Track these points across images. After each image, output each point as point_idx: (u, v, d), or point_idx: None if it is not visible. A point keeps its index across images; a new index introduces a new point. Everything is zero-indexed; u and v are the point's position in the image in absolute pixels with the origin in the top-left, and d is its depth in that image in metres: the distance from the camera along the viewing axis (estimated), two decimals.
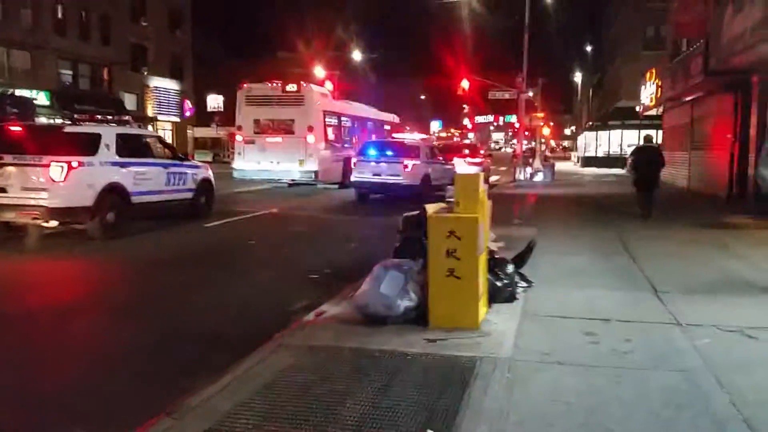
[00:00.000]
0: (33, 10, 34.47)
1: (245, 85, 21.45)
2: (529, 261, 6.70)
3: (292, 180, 20.99)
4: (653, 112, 28.81)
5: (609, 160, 41.26)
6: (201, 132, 50.97)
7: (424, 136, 30.20)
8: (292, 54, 58.15)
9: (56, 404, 4.08)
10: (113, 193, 10.10)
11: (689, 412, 3.59)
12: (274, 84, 21.06)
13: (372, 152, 18.02)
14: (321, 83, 34.46)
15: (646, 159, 12.98)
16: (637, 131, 34.45)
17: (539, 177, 27.50)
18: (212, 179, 13.19)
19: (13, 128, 10.69)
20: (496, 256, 5.96)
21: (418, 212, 6.15)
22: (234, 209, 14.40)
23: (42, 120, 23.43)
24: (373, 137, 24.04)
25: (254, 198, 18.03)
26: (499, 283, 5.70)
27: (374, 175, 17.51)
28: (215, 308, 6.36)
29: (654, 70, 26.24)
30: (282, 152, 20.35)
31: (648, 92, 27.30)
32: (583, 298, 6.15)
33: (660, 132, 29.44)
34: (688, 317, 5.45)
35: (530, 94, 30.46)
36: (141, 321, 5.95)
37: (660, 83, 24.98)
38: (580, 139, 55.41)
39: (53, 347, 5.20)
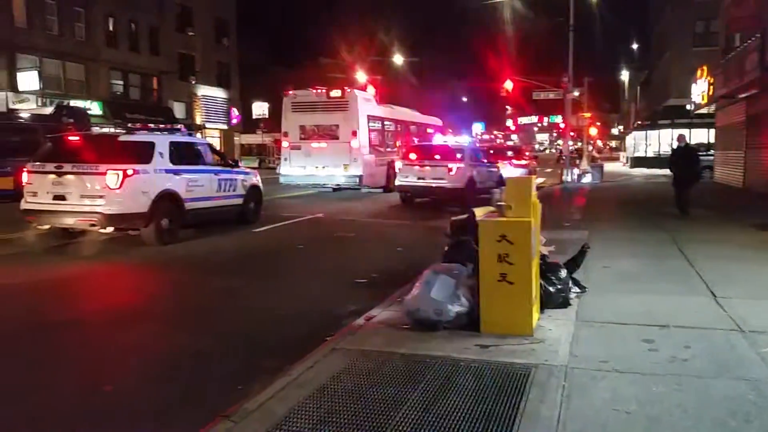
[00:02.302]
0: (86, 24, 35.79)
1: (291, 92, 21.77)
2: (582, 265, 6.57)
3: (337, 185, 21.16)
4: (705, 110, 27.93)
5: (659, 161, 40.15)
6: (247, 138, 51.90)
7: (467, 138, 30.01)
8: (335, 60, 58.67)
9: (116, 407, 4.21)
10: (167, 199, 10.33)
11: (758, 423, 3.45)
12: (319, 90, 21.31)
13: (416, 156, 18.02)
14: (363, 88, 34.66)
15: (680, 158, 13.43)
16: (688, 130, 33.44)
17: (587, 178, 26.96)
18: (260, 185, 13.39)
19: (71, 138, 11.09)
20: (549, 260, 5.86)
21: (466, 216, 6.10)
22: (281, 214, 14.60)
23: (97, 129, 24.25)
24: (416, 141, 24.05)
25: (300, 203, 18.24)
26: (552, 288, 5.61)
27: (419, 178, 17.51)
28: (266, 313, 6.45)
29: (705, 67, 25.46)
30: (327, 157, 20.57)
31: (699, 90, 26.47)
32: (638, 304, 5.99)
33: (712, 131, 28.49)
34: (750, 324, 5.26)
35: (576, 93, 29.93)
36: (194, 325, 6.09)
37: (712, 80, 24.21)
38: (629, 139, 54.10)
39: (110, 351, 5.35)
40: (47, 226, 10.21)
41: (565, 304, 5.74)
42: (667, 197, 14.71)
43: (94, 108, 34.25)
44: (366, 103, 21.89)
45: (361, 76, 46.47)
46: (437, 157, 17.68)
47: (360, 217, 15.24)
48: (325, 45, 60.23)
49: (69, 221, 9.85)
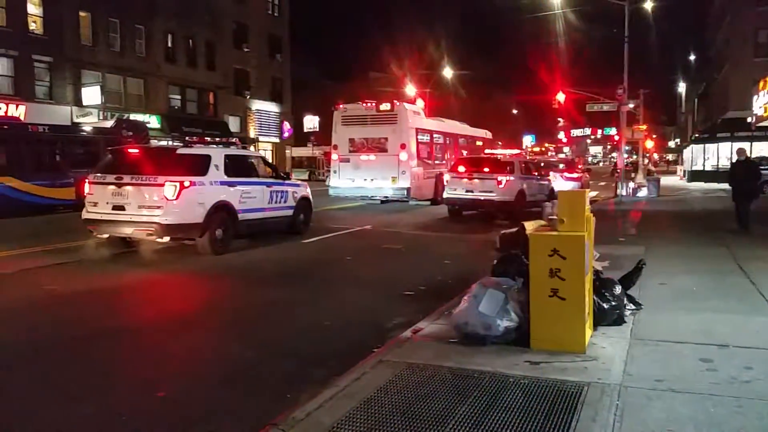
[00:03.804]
0: (146, 41, 37.21)
1: (341, 106, 22.04)
2: (637, 282, 6.39)
3: (385, 197, 21.26)
4: (767, 123, 26.86)
5: (718, 174, 38.81)
6: (298, 151, 52.78)
7: (516, 151, 29.70)
8: (384, 74, 59.19)
9: (168, 412, 4.31)
10: (221, 210, 10.57)
11: None
12: (369, 104, 21.50)
13: (464, 168, 17.92)
14: (412, 101, 34.77)
15: (741, 172, 13.04)
16: (749, 143, 32.22)
17: (643, 192, 26.23)
18: (310, 197, 13.56)
19: (130, 150, 11.51)
20: (603, 276, 5.72)
21: (516, 229, 6.04)
22: (330, 226, 14.75)
23: (155, 142, 25.11)
24: (465, 153, 23.95)
25: (348, 215, 18.38)
26: (605, 305, 5.47)
27: (467, 191, 17.39)
28: (314, 323, 6.51)
29: None
30: (375, 170, 20.70)
31: (761, 102, 25.51)
32: (696, 322, 5.78)
33: None
34: None
35: (631, 105, 29.18)
36: (245, 334, 6.19)
37: None
38: (686, 152, 52.45)
39: (164, 358, 5.50)
40: (106, 235, 10.58)
41: (619, 321, 5.59)
42: (727, 212, 14.19)
43: (153, 122, 35.49)
44: (415, 117, 21.96)
45: (410, 89, 46.67)
46: (486, 169, 17.53)
47: (407, 229, 15.24)
48: (374, 59, 60.97)
49: (127, 231, 10.15)
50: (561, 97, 33.60)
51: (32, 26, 30.78)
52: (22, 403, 4.43)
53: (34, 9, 30.77)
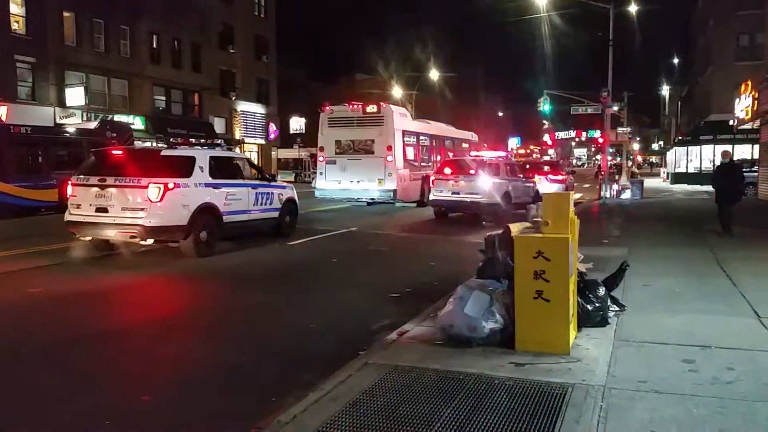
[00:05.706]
0: (131, 41, 36.88)
1: (327, 108, 22.03)
2: (621, 283, 6.44)
3: (371, 199, 21.27)
4: (749, 125, 27.24)
5: (701, 177, 39.26)
6: (284, 153, 52.58)
7: (502, 153, 29.81)
8: (370, 75, 59.23)
9: (153, 416, 4.27)
10: (206, 212, 10.50)
11: None
12: (355, 106, 21.51)
13: (450, 170, 17.95)
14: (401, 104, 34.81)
15: (724, 175, 13.09)
16: (731, 146, 32.66)
17: (627, 194, 26.43)
18: (296, 199, 13.52)
19: (114, 152, 11.40)
20: (587, 278, 5.76)
21: (501, 231, 6.05)
22: (316, 228, 14.71)
23: (139, 144, 24.89)
24: (451, 155, 24.01)
25: (334, 216, 18.34)
26: (589, 307, 5.51)
27: (453, 193, 17.42)
28: (299, 326, 6.49)
29: (750, 82, 24.87)
30: (362, 172, 20.71)
31: (743, 105, 25.88)
32: (679, 323, 5.84)
33: (756, 147, 27.74)
34: None
35: (615, 108, 29.39)
36: (230, 337, 6.16)
37: (756, 95, 23.61)
38: (670, 155, 52.97)
39: (148, 362, 5.44)
40: (89, 238, 10.47)
41: (603, 322, 5.63)
42: (710, 214, 14.35)
43: (137, 123, 35.17)
44: (401, 119, 21.99)
45: (396, 91, 46.73)
46: (472, 171, 17.58)
47: (394, 231, 15.24)
48: (361, 61, 61.06)
49: (110, 233, 10.06)
50: (546, 99, 33.86)
51: (15, 26, 30.38)
52: (3, 408, 4.37)
53: (16, 9, 30.38)
